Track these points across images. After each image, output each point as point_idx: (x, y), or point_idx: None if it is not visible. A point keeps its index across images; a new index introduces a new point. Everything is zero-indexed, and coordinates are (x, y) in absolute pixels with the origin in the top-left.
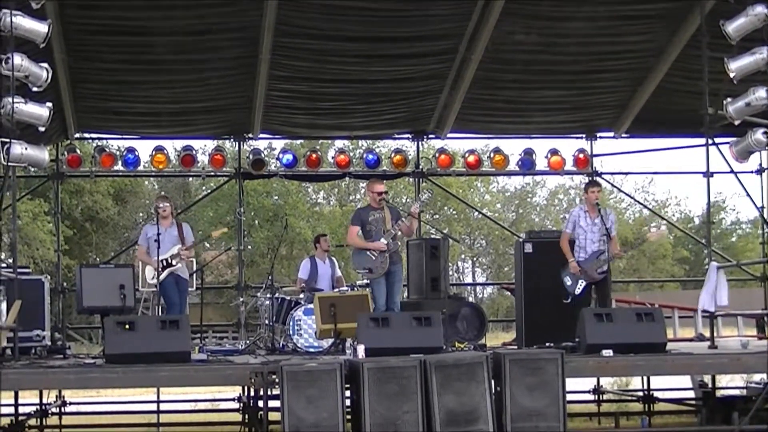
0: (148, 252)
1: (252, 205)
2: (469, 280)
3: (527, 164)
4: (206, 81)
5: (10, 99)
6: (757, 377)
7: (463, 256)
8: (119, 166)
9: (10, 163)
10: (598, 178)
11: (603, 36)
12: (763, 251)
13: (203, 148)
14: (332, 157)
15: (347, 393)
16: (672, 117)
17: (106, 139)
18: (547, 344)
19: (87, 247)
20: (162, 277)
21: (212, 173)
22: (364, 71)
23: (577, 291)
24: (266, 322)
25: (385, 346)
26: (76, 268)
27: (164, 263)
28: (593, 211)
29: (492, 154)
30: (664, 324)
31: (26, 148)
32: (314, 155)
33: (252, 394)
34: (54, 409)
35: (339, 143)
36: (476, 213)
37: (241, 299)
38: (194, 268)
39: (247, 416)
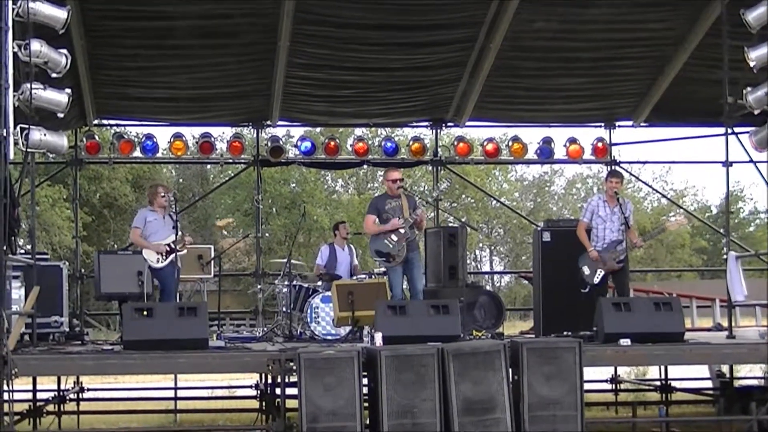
0: (143, 236)
1: (270, 192)
2: (486, 268)
3: (546, 153)
4: (225, 67)
5: (29, 85)
6: None
7: (480, 245)
8: (138, 153)
9: (28, 149)
10: (619, 169)
11: (623, 23)
12: None
13: (221, 135)
14: (351, 145)
15: (365, 381)
16: (691, 106)
17: (125, 125)
18: (565, 333)
19: (105, 234)
20: (165, 263)
21: (230, 160)
22: (383, 59)
23: (596, 280)
24: (284, 309)
25: (403, 334)
26: (94, 254)
27: (168, 248)
28: (612, 201)
29: (510, 143)
30: (682, 313)
31: (45, 134)
32: (333, 143)
33: (269, 381)
34: (72, 395)
35: (358, 131)
36: (494, 201)
37: (259, 286)
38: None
39: (264, 403)
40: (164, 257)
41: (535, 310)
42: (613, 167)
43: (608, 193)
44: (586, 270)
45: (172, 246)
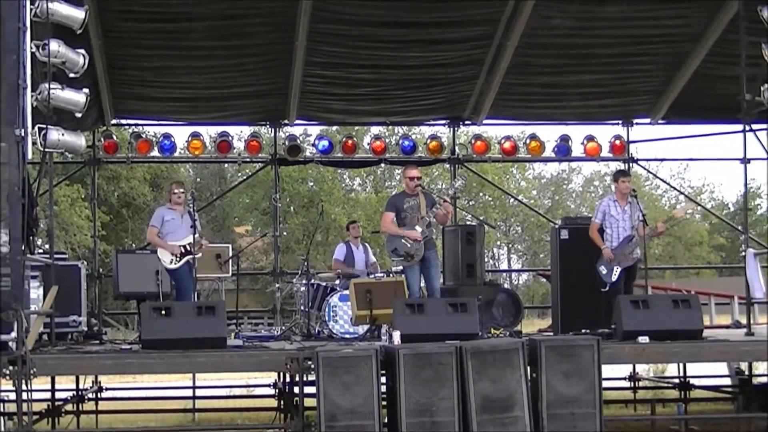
0: (159, 235)
1: (287, 191)
2: (504, 266)
3: (563, 150)
4: (242, 67)
5: (47, 85)
6: None
7: (498, 243)
8: (155, 152)
9: (47, 149)
10: (625, 167)
11: (640, 20)
12: None
13: (239, 134)
14: (368, 144)
15: (383, 379)
16: (709, 103)
17: (143, 125)
18: (583, 331)
19: (123, 233)
20: (179, 264)
21: (248, 159)
22: (400, 57)
23: (614, 278)
24: (302, 308)
25: (421, 333)
26: (113, 253)
27: (183, 249)
28: (623, 200)
29: (528, 141)
30: (701, 311)
31: (63, 134)
32: (350, 141)
33: (287, 380)
34: (90, 395)
35: (375, 129)
36: (512, 199)
37: (277, 285)
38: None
39: (282, 402)
40: (178, 259)
41: (553, 308)
42: (619, 166)
43: (620, 193)
44: (603, 270)
45: (188, 248)
